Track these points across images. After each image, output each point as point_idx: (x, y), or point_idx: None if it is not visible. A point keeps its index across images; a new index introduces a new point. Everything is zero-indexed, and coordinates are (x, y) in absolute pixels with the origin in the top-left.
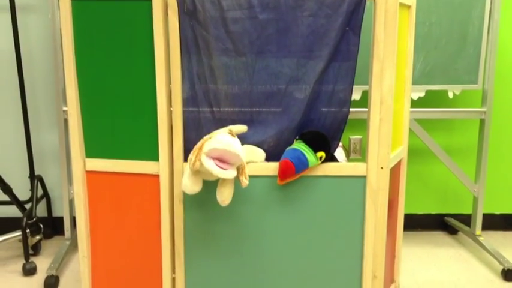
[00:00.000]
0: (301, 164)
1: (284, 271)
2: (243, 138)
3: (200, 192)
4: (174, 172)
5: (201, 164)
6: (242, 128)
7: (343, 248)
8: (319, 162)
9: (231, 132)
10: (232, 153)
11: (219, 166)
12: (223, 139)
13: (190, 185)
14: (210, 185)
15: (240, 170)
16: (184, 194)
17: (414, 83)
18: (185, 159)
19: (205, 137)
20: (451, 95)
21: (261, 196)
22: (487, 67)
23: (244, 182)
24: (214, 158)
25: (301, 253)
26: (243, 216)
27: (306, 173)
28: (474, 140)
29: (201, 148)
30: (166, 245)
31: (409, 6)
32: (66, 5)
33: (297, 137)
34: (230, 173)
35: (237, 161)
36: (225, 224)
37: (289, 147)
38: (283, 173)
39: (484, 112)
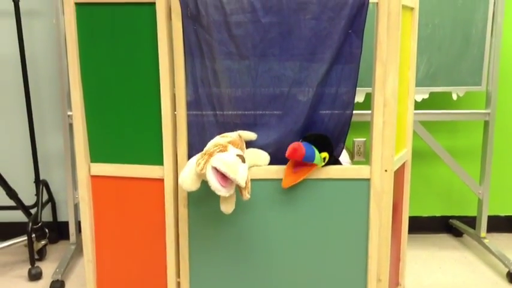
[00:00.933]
0: (310, 152)
1: (289, 274)
2: (247, 142)
3: (204, 197)
4: (179, 176)
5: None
6: (251, 136)
7: (348, 251)
8: (323, 163)
9: (237, 142)
10: (232, 178)
11: (219, 181)
12: (229, 161)
13: (190, 182)
14: None
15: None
16: (189, 199)
17: (418, 84)
18: None
19: (216, 141)
20: (454, 96)
21: (265, 200)
22: (490, 69)
23: (246, 196)
24: (218, 172)
25: (306, 256)
26: (247, 220)
27: (310, 175)
28: (478, 141)
29: (210, 155)
30: (171, 249)
31: (411, 8)
32: (71, 9)
33: (301, 140)
34: (226, 192)
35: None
36: (230, 228)
37: None
38: (293, 151)
39: (488, 114)
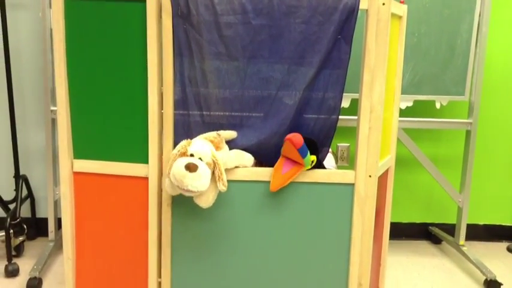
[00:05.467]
0: (305, 147)
1: (271, 276)
2: (232, 142)
3: (188, 197)
4: (163, 175)
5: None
6: (231, 134)
7: (330, 254)
8: (310, 166)
9: (213, 139)
10: (184, 190)
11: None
12: (177, 174)
13: (171, 188)
14: None
15: (216, 177)
16: (173, 198)
17: (402, 92)
18: None
19: (180, 147)
20: (438, 105)
21: (250, 201)
22: (474, 79)
23: (222, 187)
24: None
25: (288, 259)
26: (231, 221)
27: (295, 179)
28: (460, 150)
29: (173, 160)
30: (153, 248)
31: (400, 17)
32: (59, 3)
33: None
34: (191, 194)
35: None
36: (213, 228)
37: None
38: (293, 136)
39: (470, 123)
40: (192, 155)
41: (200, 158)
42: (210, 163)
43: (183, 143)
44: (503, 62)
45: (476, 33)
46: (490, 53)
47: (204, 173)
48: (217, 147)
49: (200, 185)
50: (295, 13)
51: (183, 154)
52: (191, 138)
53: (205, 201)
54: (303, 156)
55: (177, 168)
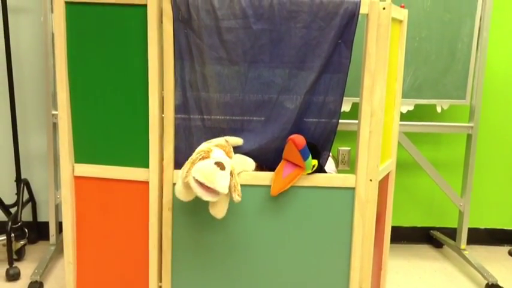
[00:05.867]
0: (306, 149)
1: (271, 280)
2: (234, 147)
3: (189, 201)
4: (164, 179)
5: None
6: (238, 141)
7: (331, 259)
8: (311, 170)
9: (224, 146)
10: (210, 187)
11: (203, 188)
12: (206, 170)
13: (184, 193)
14: None
15: (232, 187)
16: (173, 202)
17: (403, 96)
18: (175, 167)
19: (200, 149)
20: (439, 109)
21: (251, 206)
22: (475, 83)
23: (237, 198)
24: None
25: (289, 263)
26: (232, 225)
27: (296, 183)
28: (461, 154)
29: (193, 163)
30: (154, 253)
31: (400, 21)
32: (61, 8)
33: None
34: (212, 197)
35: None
36: (214, 233)
37: None
38: (296, 137)
39: (471, 127)
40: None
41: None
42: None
43: (204, 148)
44: (504, 66)
45: (477, 37)
46: (491, 57)
47: (228, 176)
48: (229, 157)
49: (224, 187)
50: (296, 18)
51: (205, 159)
52: (192, 143)
53: (221, 211)
54: (305, 158)
55: (206, 165)
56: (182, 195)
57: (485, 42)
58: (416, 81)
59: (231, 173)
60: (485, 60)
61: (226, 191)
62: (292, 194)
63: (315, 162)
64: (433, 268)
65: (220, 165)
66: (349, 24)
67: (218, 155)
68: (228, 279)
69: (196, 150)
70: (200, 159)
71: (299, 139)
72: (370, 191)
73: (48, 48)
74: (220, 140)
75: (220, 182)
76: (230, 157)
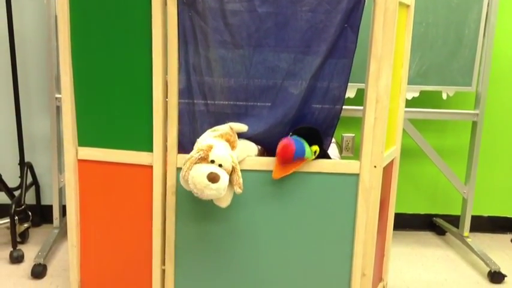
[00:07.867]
0: (301, 149)
1: (274, 265)
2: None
3: None
4: (168, 163)
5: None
6: (242, 128)
7: (334, 245)
8: (314, 156)
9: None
10: (205, 195)
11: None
12: (197, 181)
13: (186, 185)
14: None
15: (233, 181)
16: (177, 186)
17: (409, 83)
18: (179, 151)
19: (200, 146)
20: (444, 96)
21: (254, 190)
22: (481, 70)
23: (238, 191)
24: None
25: (292, 248)
26: (236, 210)
27: (300, 168)
28: (466, 141)
29: (192, 163)
30: (157, 236)
31: (407, 6)
32: None
33: (291, 133)
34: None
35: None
36: (217, 217)
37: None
38: (283, 153)
39: (477, 114)
40: (212, 161)
41: (220, 165)
42: (229, 169)
43: (204, 146)
44: (511, 52)
45: (484, 23)
46: (498, 43)
47: (224, 183)
48: (233, 147)
49: (219, 194)
50: (302, 1)
51: (204, 160)
52: (196, 128)
53: (225, 202)
54: (302, 156)
55: (199, 177)
56: (185, 186)
57: (493, 28)
58: (422, 68)
59: (233, 169)
60: (492, 47)
61: (220, 196)
62: (296, 179)
63: (315, 148)
64: (435, 255)
65: (212, 178)
66: (355, 8)
67: (218, 152)
68: (231, 262)
69: (197, 147)
70: (199, 159)
71: (285, 155)
72: (374, 178)
73: (51, 31)
74: (225, 127)
75: (209, 195)
76: (234, 147)
